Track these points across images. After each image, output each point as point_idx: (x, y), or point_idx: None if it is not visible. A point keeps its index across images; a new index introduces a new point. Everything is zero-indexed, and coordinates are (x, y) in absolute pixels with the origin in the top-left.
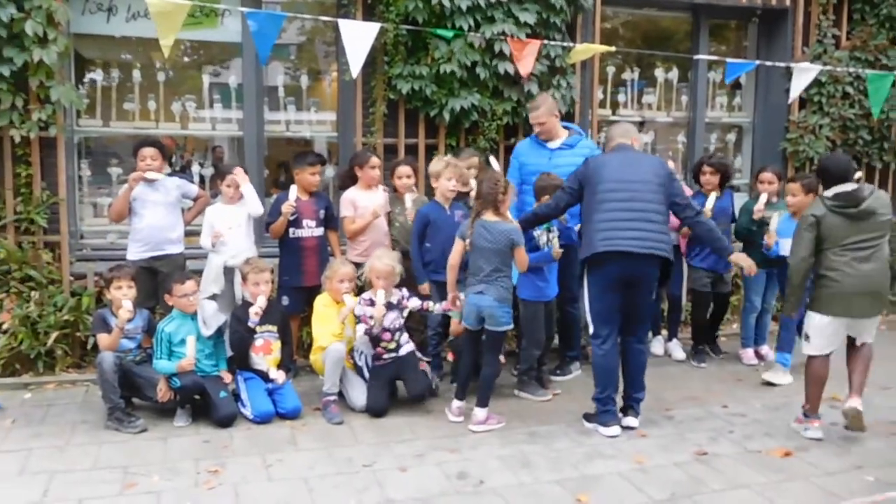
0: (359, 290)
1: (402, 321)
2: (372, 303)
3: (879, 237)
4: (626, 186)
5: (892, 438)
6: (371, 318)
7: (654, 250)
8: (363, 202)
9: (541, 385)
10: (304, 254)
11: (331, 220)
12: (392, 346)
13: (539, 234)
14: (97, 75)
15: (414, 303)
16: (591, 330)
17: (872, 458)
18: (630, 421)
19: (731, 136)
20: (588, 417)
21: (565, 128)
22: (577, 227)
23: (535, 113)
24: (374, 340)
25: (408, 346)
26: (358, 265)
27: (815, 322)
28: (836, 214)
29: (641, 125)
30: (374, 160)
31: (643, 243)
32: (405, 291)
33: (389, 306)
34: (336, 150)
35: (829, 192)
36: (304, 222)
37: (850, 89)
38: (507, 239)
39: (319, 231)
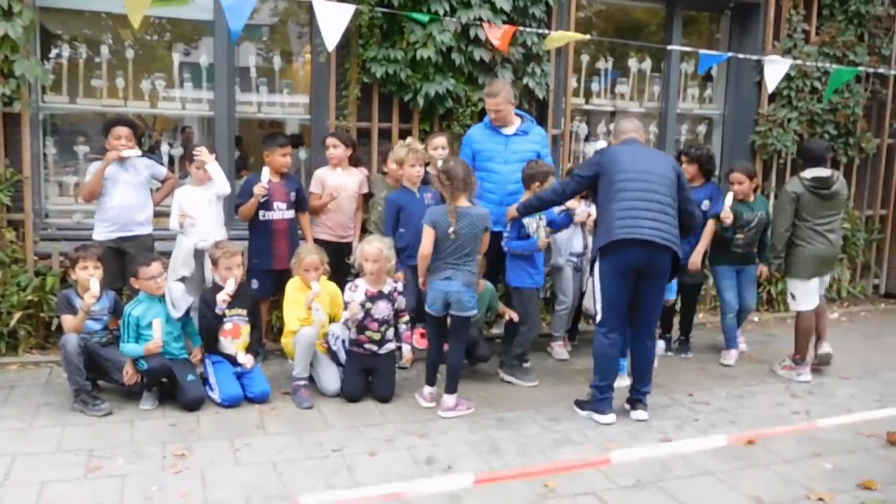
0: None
1: (391, 313)
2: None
3: (838, 213)
4: (644, 177)
5: (850, 427)
6: (355, 303)
7: (670, 242)
8: (332, 181)
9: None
10: (274, 237)
11: (302, 203)
12: (377, 337)
13: (528, 221)
14: (64, 51)
15: (401, 302)
16: (598, 318)
17: (830, 445)
18: (640, 414)
19: (702, 128)
20: (581, 405)
21: (517, 115)
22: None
23: (495, 100)
24: (360, 328)
25: (389, 346)
26: (327, 243)
27: (796, 284)
28: (811, 193)
29: (613, 115)
30: (328, 140)
31: (661, 234)
32: (399, 286)
33: (381, 295)
34: (308, 132)
35: (808, 175)
36: (275, 205)
37: (818, 84)
38: (483, 223)
39: (290, 214)
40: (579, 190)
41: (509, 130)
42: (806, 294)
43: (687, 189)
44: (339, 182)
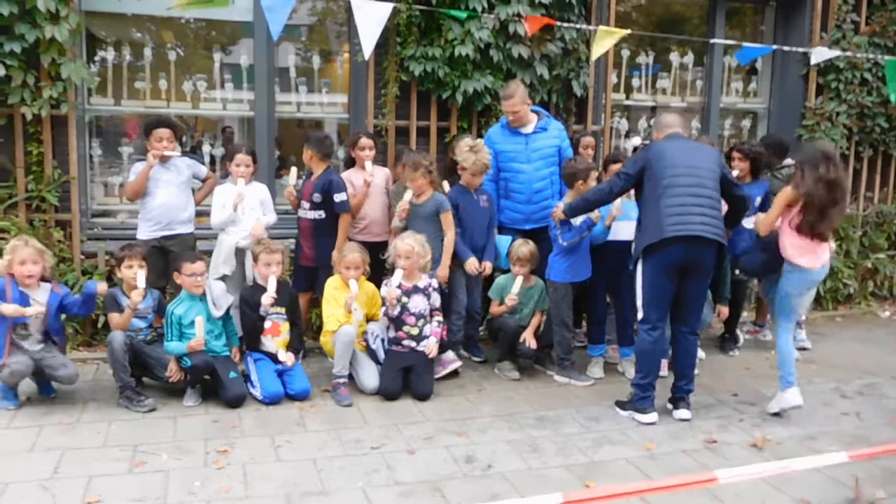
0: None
1: (427, 308)
2: (398, 285)
3: None
4: (692, 172)
5: None
6: (393, 288)
7: (718, 237)
8: (358, 181)
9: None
10: (301, 234)
11: (334, 204)
12: (415, 331)
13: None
14: (108, 53)
15: (435, 298)
16: (640, 315)
17: (882, 447)
18: (682, 413)
19: (746, 123)
20: (622, 405)
21: (533, 111)
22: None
23: (511, 101)
24: (398, 323)
25: (427, 343)
26: (367, 244)
27: None
28: None
29: (654, 110)
30: (363, 142)
31: (711, 229)
32: (434, 281)
33: (416, 290)
34: (346, 131)
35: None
36: (302, 203)
37: (868, 76)
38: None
39: (313, 214)
40: (627, 188)
41: (528, 129)
42: None
43: (730, 176)
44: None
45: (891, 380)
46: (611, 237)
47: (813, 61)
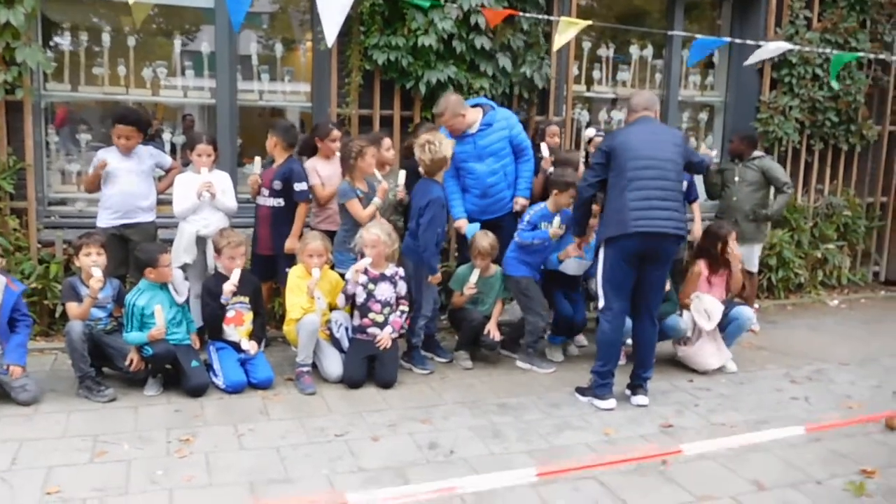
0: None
1: (393, 296)
2: (364, 271)
3: None
4: (655, 164)
5: (849, 412)
6: (359, 281)
7: (680, 231)
8: (325, 171)
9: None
10: (259, 222)
11: (293, 193)
12: (380, 319)
13: (546, 225)
14: (65, 39)
15: (402, 287)
16: (601, 303)
17: (830, 430)
18: (640, 399)
19: (703, 115)
20: (582, 391)
21: (476, 105)
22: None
23: (442, 119)
24: (363, 310)
25: (383, 333)
26: (330, 234)
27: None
28: None
29: (614, 102)
30: (335, 133)
31: (673, 224)
32: (401, 271)
33: (382, 277)
34: (310, 120)
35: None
36: (262, 191)
37: (819, 71)
38: None
39: (272, 202)
40: (603, 177)
41: (473, 129)
42: None
43: (694, 156)
44: (336, 171)
45: (838, 366)
46: (560, 267)
47: (752, 59)
